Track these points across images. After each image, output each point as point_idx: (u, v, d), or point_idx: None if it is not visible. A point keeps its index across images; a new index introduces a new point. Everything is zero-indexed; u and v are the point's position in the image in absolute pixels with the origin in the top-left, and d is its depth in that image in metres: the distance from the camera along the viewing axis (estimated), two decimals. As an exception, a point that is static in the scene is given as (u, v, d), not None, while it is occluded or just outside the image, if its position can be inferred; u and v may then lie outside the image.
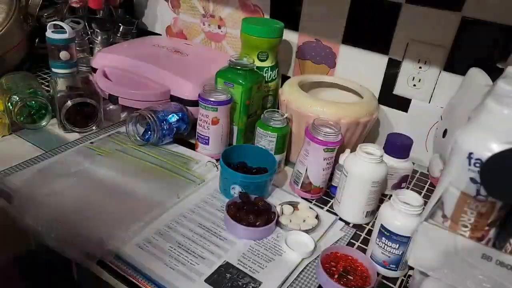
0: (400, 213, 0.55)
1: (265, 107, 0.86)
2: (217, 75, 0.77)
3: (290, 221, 0.65)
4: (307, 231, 0.63)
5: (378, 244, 0.58)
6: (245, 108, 0.78)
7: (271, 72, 0.85)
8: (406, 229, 0.55)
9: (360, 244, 0.64)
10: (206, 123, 0.75)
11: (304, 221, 0.66)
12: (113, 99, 0.85)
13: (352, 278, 0.56)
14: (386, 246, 0.57)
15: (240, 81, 0.75)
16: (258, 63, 0.82)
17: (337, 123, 0.70)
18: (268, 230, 0.62)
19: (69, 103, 0.78)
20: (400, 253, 0.56)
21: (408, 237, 0.54)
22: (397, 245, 0.56)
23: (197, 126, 0.78)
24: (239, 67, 0.76)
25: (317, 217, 0.67)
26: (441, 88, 0.81)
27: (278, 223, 0.65)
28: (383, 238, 0.57)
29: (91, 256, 0.55)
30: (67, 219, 0.59)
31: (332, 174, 0.73)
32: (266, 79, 0.84)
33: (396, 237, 0.55)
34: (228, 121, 0.78)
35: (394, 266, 0.58)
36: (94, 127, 0.83)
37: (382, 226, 0.57)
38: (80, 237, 0.57)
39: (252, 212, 0.63)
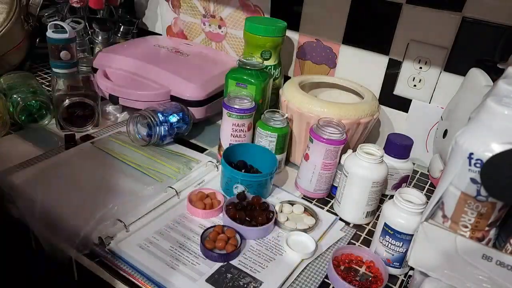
0: (404, 212, 0.55)
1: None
2: (227, 76, 0.77)
3: (288, 219, 0.65)
4: (304, 230, 0.63)
5: (381, 243, 0.58)
6: (259, 107, 0.78)
7: (274, 71, 0.86)
8: (410, 227, 0.55)
9: (360, 245, 0.64)
10: (243, 131, 0.75)
11: (302, 220, 0.66)
12: (113, 99, 0.85)
13: (365, 279, 0.56)
14: (390, 245, 0.57)
15: (253, 81, 0.75)
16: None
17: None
18: (267, 229, 0.63)
19: (66, 102, 0.78)
20: (403, 251, 0.57)
21: (412, 235, 0.55)
22: (401, 243, 0.56)
23: (230, 137, 0.75)
24: (249, 67, 0.76)
25: (315, 216, 0.67)
26: (441, 89, 0.81)
27: (276, 222, 0.65)
28: (386, 236, 0.57)
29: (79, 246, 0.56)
30: (66, 217, 0.60)
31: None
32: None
33: (400, 235, 0.56)
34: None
35: (398, 264, 0.58)
36: (90, 127, 0.83)
37: (385, 224, 0.57)
38: (71, 229, 0.58)
39: (251, 211, 0.63)
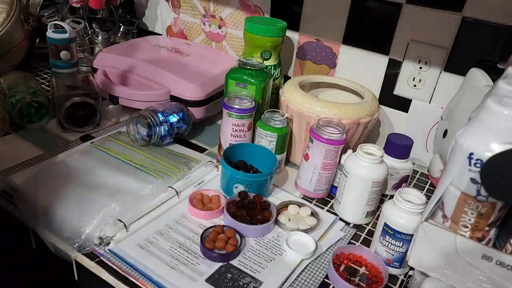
0: (404, 212, 0.55)
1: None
2: (227, 76, 0.77)
3: (289, 220, 0.65)
4: (305, 231, 0.63)
5: (381, 243, 0.58)
6: (259, 107, 0.78)
7: (274, 71, 0.86)
8: (410, 227, 0.55)
9: (360, 245, 0.64)
10: (243, 131, 0.75)
11: (303, 220, 0.66)
12: (113, 99, 0.85)
13: (365, 281, 0.56)
14: (390, 245, 0.57)
15: (253, 81, 0.75)
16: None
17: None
18: (267, 228, 0.63)
19: (68, 102, 0.78)
20: (403, 251, 0.57)
21: (412, 235, 0.55)
22: (401, 243, 0.56)
23: (230, 137, 0.75)
24: (248, 67, 0.76)
25: (316, 217, 0.67)
26: (441, 89, 0.81)
27: (277, 222, 0.65)
28: (387, 236, 0.57)
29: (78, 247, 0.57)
30: (66, 217, 0.60)
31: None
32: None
33: (400, 235, 0.56)
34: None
35: (398, 264, 0.58)
36: (91, 127, 0.83)
37: (385, 224, 0.57)
38: (71, 229, 0.58)
39: (251, 210, 0.63)
